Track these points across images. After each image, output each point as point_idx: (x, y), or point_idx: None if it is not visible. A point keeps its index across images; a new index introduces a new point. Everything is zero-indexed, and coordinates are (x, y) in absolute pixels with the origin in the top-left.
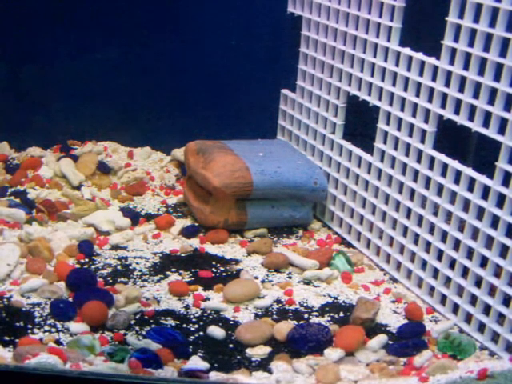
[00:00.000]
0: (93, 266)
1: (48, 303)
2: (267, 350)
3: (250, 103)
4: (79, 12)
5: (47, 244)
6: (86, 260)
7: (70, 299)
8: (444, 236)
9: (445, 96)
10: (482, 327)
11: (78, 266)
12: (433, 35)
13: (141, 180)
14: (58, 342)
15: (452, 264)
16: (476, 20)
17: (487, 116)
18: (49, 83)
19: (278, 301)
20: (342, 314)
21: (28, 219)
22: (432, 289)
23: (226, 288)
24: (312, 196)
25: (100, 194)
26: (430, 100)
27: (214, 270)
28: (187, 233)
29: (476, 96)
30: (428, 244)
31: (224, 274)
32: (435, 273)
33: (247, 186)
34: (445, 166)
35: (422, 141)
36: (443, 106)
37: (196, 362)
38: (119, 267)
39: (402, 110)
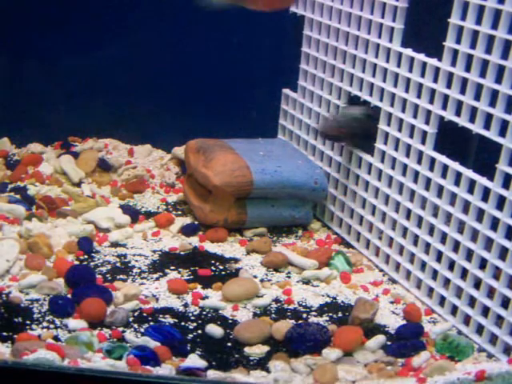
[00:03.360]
0: (92, 263)
1: (47, 299)
2: (265, 349)
3: (251, 102)
4: (81, 9)
5: (47, 240)
6: (86, 257)
7: (69, 296)
8: (443, 237)
9: (446, 97)
10: (480, 329)
11: (77, 262)
12: (435, 36)
13: (141, 178)
14: (56, 338)
15: (451, 266)
16: (478, 22)
17: (488, 118)
18: (50, 80)
19: (276, 300)
20: (340, 314)
21: (28, 215)
22: (431, 290)
23: (224, 287)
24: (312, 196)
25: (100, 191)
26: (431, 101)
27: (213, 268)
28: (187, 231)
29: (477, 98)
30: (427, 245)
31: (223, 272)
32: (434, 274)
33: (247, 184)
34: (445, 168)
35: (423, 142)
36: (444, 107)
37: (194, 361)
38: (118, 264)
39: (403, 110)
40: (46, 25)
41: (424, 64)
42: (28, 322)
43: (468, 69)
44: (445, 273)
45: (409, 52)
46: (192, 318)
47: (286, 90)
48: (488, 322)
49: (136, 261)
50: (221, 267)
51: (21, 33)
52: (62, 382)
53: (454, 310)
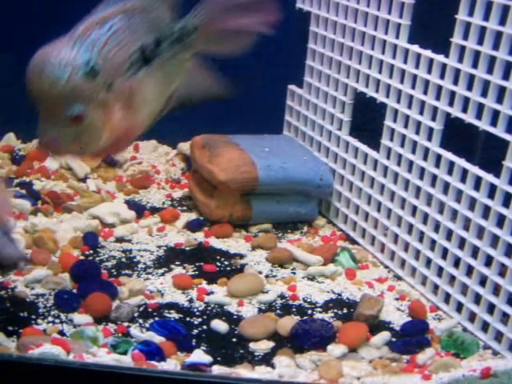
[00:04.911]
0: (97, 258)
1: (52, 294)
2: (270, 344)
3: (257, 98)
4: (81, 3)
5: (52, 235)
6: (91, 252)
7: (74, 290)
8: (449, 234)
9: (453, 94)
10: (485, 326)
11: (82, 257)
12: (442, 33)
13: (146, 173)
14: (61, 332)
15: (457, 262)
16: (486, 18)
17: (495, 114)
18: None
19: (281, 296)
20: (345, 311)
21: (33, 210)
22: (436, 287)
23: (229, 282)
24: (317, 192)
25: (105, 187)
26: (437, 98)
27: (219, 264)
28: (192, 226)
29: (484, 94)
30: (433, 242)
31: (228, 268)
32: (439, 271)
33: (253, 180)
34: (451, 164)
35: (429, 138)
36: (451, 103)
37: (199, 356)
38: (123, 260)
39: (410, 107)
40: (49, 20)
41: (431, 60)
42: (33, 317)
43: (475, 65)
44: (450, 270)
45: (416, 48)
46: (197, 313)
47: (292, 86)
48: (493, 319)
49: (141, 256)
50: (226, 263)
51: (24, 28)
52: (67, 377)
53: (460, 306)
